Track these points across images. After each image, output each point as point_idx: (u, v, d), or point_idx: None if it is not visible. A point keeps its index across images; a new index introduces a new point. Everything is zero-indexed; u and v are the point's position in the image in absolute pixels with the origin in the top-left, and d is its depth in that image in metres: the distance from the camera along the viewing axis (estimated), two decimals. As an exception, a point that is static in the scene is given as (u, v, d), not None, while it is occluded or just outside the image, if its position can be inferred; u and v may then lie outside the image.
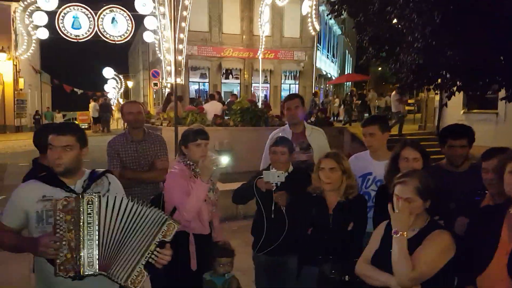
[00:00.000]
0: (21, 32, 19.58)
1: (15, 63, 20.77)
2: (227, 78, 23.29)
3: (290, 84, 24.88)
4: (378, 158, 3.11)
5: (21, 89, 21.60)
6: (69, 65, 38.22)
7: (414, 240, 2.01)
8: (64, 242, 1.79)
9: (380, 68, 31.44)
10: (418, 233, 2.05)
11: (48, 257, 1.88)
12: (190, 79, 21.85)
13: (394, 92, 13.43)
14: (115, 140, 3.62)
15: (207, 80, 22.82)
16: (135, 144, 3.58)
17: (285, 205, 2.84)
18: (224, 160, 2.65)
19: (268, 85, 23.78)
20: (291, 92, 19.93)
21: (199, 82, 23.01)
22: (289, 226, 2.85)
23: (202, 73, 22.75)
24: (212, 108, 10.45)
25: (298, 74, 24.63)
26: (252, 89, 22.38)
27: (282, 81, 24.50)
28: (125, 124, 4.01)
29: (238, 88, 23.08)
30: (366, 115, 15.98)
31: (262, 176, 2.88)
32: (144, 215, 1.91)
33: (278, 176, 2.80)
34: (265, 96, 23.28)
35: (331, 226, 2.60)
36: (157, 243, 1.88)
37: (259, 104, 13.69)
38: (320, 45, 26.11)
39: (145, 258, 1.86)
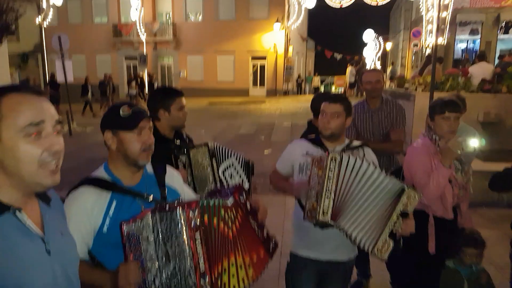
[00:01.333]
0: (293, 2, 21.82)
1: (286, 33, 23.59)
2: (506, 32, 19.18)
3: None
4: None
5: (290, 57, 24.46)
6: (331, 31, 40.32)
7: None
8: (313, 192, 2.01)
9: None
10: None
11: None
12: (457, 37, 19.18)
13: None
14: (353, 108, 3.64)
15: (478, 37, 19.49)
16: (371, 113, 3.55)
17: None
18: (473, 143, 2.22)
19: None
20: None
21: (467, 40, 19.94)
22: None
23: (473, 28, 19.52)
24: (480, 70, 8.80)
25: None
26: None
27: None
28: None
29: (522, 44, 18.70)
30: None
31: None
32: (381, 180, 1.95)
33: None
34: None
35: None
36: (398, 214, 1.91)
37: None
38: None
39: (389, 228, 1.91)
